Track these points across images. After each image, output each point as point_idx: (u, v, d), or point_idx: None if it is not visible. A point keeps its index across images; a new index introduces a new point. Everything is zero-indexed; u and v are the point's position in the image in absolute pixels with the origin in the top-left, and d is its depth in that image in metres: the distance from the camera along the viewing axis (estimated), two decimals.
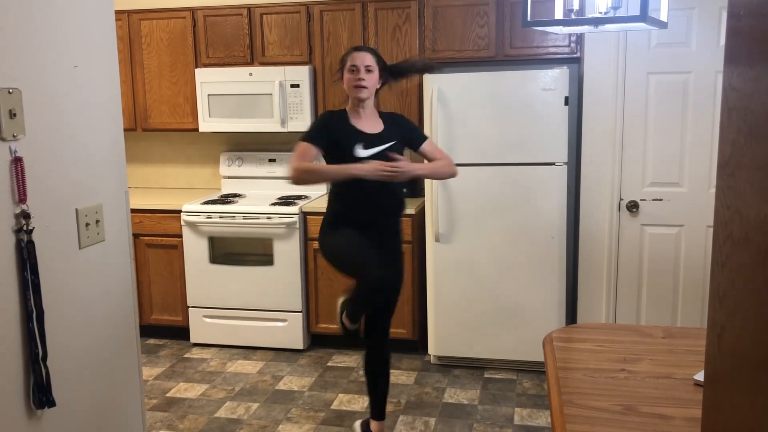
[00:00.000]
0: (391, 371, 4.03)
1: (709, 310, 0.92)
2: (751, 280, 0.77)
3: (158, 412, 3.57)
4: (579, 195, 3.96)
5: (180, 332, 4.51)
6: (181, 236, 4.36)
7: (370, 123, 2.98)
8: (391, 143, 2.94)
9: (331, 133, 2.94)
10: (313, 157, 2.91)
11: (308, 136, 2.94)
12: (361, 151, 2.90)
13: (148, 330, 4.50)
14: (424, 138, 3.11)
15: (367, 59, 2.91)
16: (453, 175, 3.10)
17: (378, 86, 2.99)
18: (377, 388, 3.18)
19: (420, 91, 4.13)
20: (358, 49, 2.99)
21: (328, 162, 2.98)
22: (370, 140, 2.93)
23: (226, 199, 4.50)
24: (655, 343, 2.07)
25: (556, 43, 3.97)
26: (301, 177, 2.87)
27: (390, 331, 3.22)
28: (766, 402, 0.71)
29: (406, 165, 2.85)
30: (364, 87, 2.90)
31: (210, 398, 3.72)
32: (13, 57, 1.57)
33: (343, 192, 2.97)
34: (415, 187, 4.41)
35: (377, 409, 3.20)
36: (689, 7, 3.63)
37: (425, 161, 3.14)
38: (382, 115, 3.06)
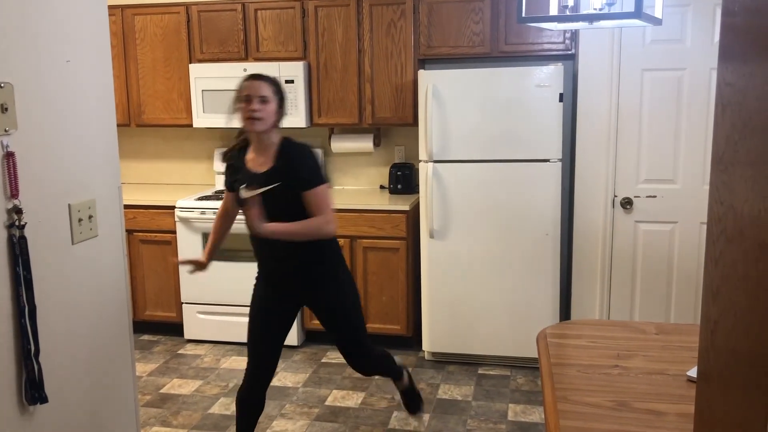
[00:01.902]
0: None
1: (702, 306, 0.92)
2: (745, 276, 0.77)
3: (152, 408, 3.56)
4: (573, 191, 3.96)
5: (174, 328, 4.51)
6: (174, 232, 4.35)
7: (261, 159, 2.69)
8: (273, 185, 2.60)
9: (230, 175, 2.82)
10: (231, 202, 2.85)
11: (225, 184, 2.90)
12: (243, 192, 2.61)
13: (141, 326, 4.49)
14: (312, 186, 2.65)
15: (262, 89, 2.64)
16: (323, 237, 2.70)
17: (275, 120, 2.69)
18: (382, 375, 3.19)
19: (414, 88, 4.13)
20: (253, 77, 2.69)
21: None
22: (252, 179, 2.65)
23: (220, 195, 4.48)
24: (648, 339, 2.08)
25: (551, 40, 3.97)
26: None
27: (365, 357, 2.99)
28: (759, 397, 0.71)
29: (255, 221, 2.59)
30: (258, 119, 2.61)
31: (204, 394, 3.72)
32: (5, 51, 1.56)
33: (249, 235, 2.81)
34: (410, 183, 4.41)
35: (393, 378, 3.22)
36: (684, 4, 3.64)
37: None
38: (285, 150, 2.70)
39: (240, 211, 2.74)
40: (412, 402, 3.29)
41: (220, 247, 3.05)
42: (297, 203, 2.68)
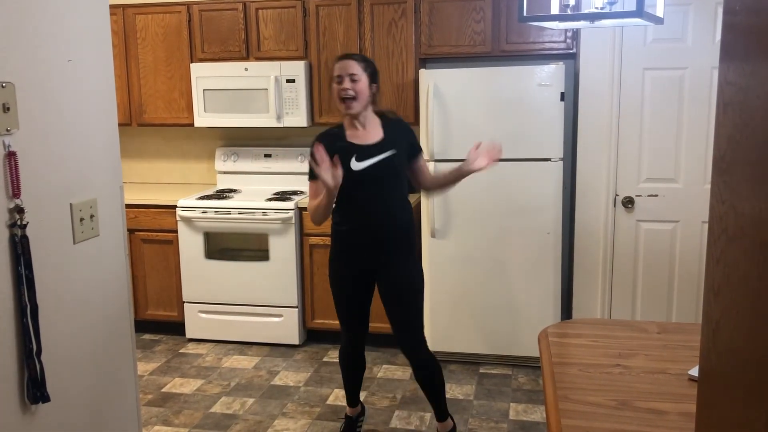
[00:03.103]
0: (387, 366, 4.04)
1: (703, 306, 0.92)
2: (746, 275, 0.77)
3: (153, 407, 3.57)
4: (574, 191, 3.96)
5: (175, 327, 4.51)
6: (176, 231, 4.35)
7: (367, 133, 2.81)
8: (389, 154, 2.77)
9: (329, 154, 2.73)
10: (321, 191, 2.70)
11: (309, 174, 2.80)
12: (355, 164, 2.74)
13: (143, 325, 4.50)
14: (421, 151, 2.97)
15: (352, 67, 2.72)
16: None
17: (368, 97, 2.78)
18: (433, 398, 3.08)
19: (416, 87, 4.13)
20: (342, 57, 2.80)
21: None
22: (364, 152, 2.76)
23: (221, 194, 4.49)
24: (649, 339, 2.08)
25: (552, 39, 3.96)
26: (314, 219, 2.80)
27: (420, 343, 2.99)
28: (761, 397, 0.71)
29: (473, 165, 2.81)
30: (352, 98, 2.72)
31: (205, 393, 3.72)
32: (6, 51, 1.56)
33: (339, 207, 2.86)
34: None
35: (438, 412, 3.12)
36: (685, 3, 3.63)
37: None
38: (387, 122, 2.86)
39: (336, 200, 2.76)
40: None
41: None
42: (402, 171, 2.88)
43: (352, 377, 3.19)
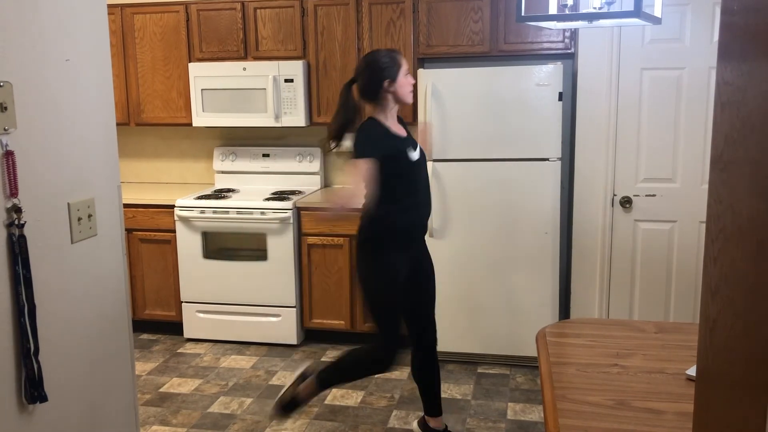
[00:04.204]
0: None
1: (701, 305, 0.92)
2: (744, 274, 0.77)
3: (151, 407, 3.56)
4: (572, 190, 3.96)
5: (173, 327, 4.51)
6: (174, 231, 4.35)
7: (398, 127, 2.90)
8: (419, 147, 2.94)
9: (385, 145, 2.76)
10: (376, 173, 2.69)
11: (366, 152, 2.70)
12: (412, 154, 2.83)
13: (141, 325, 4.49)
14: None
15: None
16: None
17: None
18: (433, 389, 3.15)
19: (414, 86, 4.12)
20: (399, 52, 2.92)
21: (385, 173, 2.71)
22: (410, 143, 2.88)
23: (219, 194, 4.49)
24: (647, 338, 2.08)
25: (550, 39, 3.97)
26: (356, 202, 2.68)
27: (435, 327, 3.17)
28: (758, 396, 0.71)
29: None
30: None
31: (203, 393, 3.72)
32: (4, 50, 1.56)
33: (396, 200, 2.80)
34: None
35: (434, 406, 3.16)
36: (683, 3, 3.64)
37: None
38: (401, 119, 3.00)
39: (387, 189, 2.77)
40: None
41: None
42: None
43: (434, 383, 3.11)
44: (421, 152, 2.91)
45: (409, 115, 4.16)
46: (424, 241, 3.06)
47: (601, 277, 3.97)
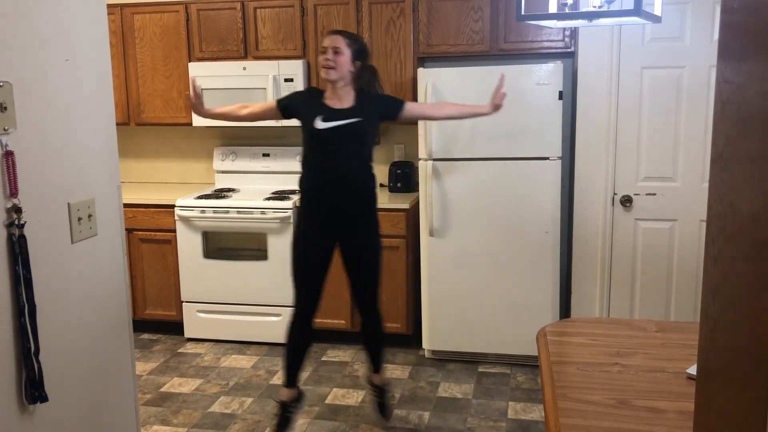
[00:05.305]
0: (385, 366, 4.05)
1: (702, 304, 0.92)
2: (744, 273, 0.77)
3: (152, 407, 3.57)
4: (573, 189, 3.96)
5: (174, 327, 4.51)
6: (174, 231, 4.35)
7: (340, 101, 3.09)
8: (355, 120, 3.04)
9: (298, 99, 3.19)
10: (266, 109, 3.23)
11: (279, 98, 3.24)
12: (319, 123, 3.04)
13: (141, 325, 4.50)
14: (402, 102, 3.20)
15: (336, 41, 3.03)
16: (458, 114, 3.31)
17: (350, 68, 3.06)
18: (375, 350, 3.39)
19: (414, 86, 4.13)
20: (331, 32, 3.11)
21: (303, 133, 3.12)
22: (332, 114, 3.05)
23: (219, 193, 4.49)
24: (648, 337, 2.08)
25: (550, 38, 3.96)
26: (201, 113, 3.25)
27: (376, 300, 3.29)
28: (758, 396, 0.71)
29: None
30: (331, 68, 3.02)
31: (204, 393, 3.72)
32: (3, 50, 1.56)
33: (303, 164, 3.15)
34: (410, 182, 4.41)
35: (376, 365, 3.40)
36: (683, 2, 3.63)
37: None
38: (361, 95, 3.13)
39: (301, 157, 3.16)
40: (382, 398, 3.40)
41: (214, 114, 3.31)
42: (367, 140, 3.12)
43: (301, 352, 3.25)
44: (344, 127, 3.02)
45: None
46: (356, 220, 3.14)
47: (602, 276, 3.97)
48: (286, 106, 3.20)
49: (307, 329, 3.22)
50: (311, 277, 3.16)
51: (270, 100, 3.27)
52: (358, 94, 3.12)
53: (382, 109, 3.15)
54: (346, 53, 3.04)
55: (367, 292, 3.22)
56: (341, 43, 3.04)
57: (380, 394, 3.39)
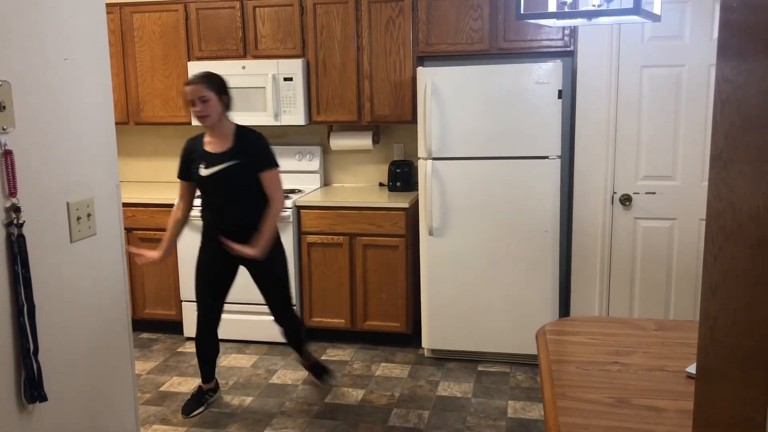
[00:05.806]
0: (385, 364, 4.05)
1: (701, 303, 0.92)
2: (744, 272, 0.77)
3: (151, 406, 3.56)
4: (572, 188, 3.96)
5: (173, 326, 4.50)
6: None
7: (219, 143, 3.23)
8: (232, 163, 3.17)
9: (186, 160, 3.31)
10: (186, 189, 3.36)
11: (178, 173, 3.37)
12: (203, 170, 3.21)
13: (141, 324, 4.49)
14: (265, 168, 3.24)
15: (199, 91, 3.12)
16: (279, 215, 3.31)
17: (220, 108, 3.18)
18: (298, 345, 3.67)
19: (413, 85, 4.12)
20: (188, 83, 3.19)
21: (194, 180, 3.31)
22: (212, 159, 3.20)
23: None
24: (647, 336, 2.08)
25: (549, 37, 3.96)
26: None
27: (288, 308, 3.53)
28: (758, 393, 0.71)
29: (243, 250, 3.16)
30: (205, 116, 3.15)
31: None
32: (2, 49, 1.55)
33: (200, 204, 3.37)
34: (409, 181, 4.41)
35: (303, 353, 3.73)
36: (683, 0, 3.63)
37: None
38: (240, 135, 3.24)
39: (196, 196, 3.38)
40: (320, 371, 3.73)
41: (176, 240, 3.47)
42: (251, 180, 3.22)
43: (211, 360, 3.54)
44: (223, 171, 3.18)
45: (409, 114, 4.17)
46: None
47: (601, 274, 3.97)
48: (184, 174, 3.33)
49: (212, 337, 3.48)
50: (209, 292, 3.40)
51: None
52: (237, 132, 3.24)
53: (254, 161, 3.23)
54: (212, 97, 3.14)
55: (274, 302, 3.46)
56: (204, 91, 3.12)
57: (318, 370, 3.72)
